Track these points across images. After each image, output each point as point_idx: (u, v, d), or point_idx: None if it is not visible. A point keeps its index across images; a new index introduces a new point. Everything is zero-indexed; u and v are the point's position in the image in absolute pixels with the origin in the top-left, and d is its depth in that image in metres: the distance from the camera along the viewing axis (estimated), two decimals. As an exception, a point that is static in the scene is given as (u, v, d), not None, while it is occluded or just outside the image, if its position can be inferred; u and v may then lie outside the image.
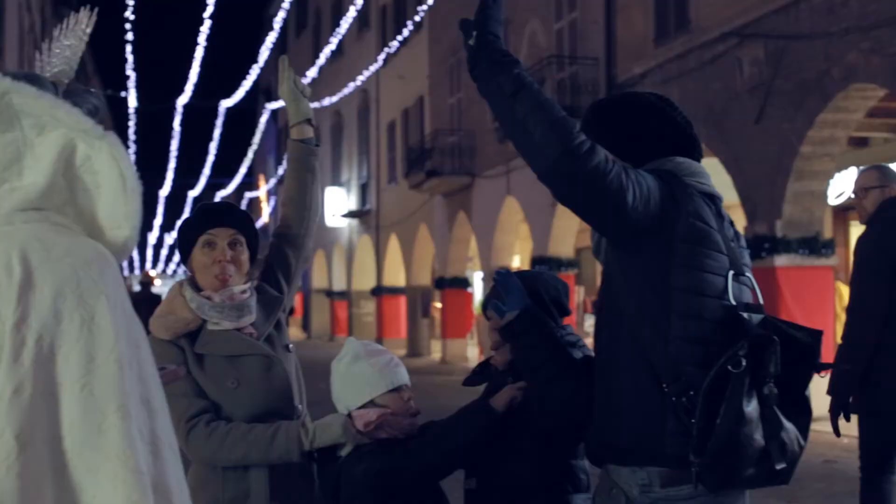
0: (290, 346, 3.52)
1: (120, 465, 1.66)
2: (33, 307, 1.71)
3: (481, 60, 2.75)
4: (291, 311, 3.86)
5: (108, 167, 1.86)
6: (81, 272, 1.76)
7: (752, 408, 2.64)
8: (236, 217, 3.44)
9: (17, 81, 1.89)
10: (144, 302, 15.68)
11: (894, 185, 5.87)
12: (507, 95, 2.69)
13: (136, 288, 20.40)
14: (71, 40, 2.12)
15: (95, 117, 1.98)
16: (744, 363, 2.62)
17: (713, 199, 2.90)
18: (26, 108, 1.85)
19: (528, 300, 3.08)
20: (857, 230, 18.16)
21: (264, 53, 31.83)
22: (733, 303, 2.74)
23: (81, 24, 2.14)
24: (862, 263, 5.65)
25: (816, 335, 2.82)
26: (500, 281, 3.13)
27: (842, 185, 16.88)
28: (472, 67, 2.79)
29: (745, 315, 2.71)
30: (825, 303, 14.34)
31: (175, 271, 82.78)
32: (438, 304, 31.03)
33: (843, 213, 18.18)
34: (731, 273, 2.77)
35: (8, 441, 1.62)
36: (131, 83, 34.99)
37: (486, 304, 3.33)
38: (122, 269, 1.99)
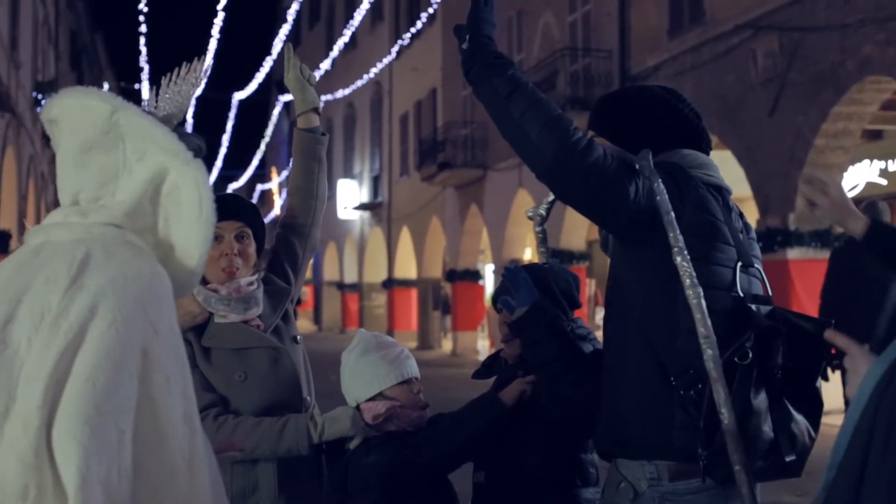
0: (298, 337, 3.52)
1: (76, 464, 1.68)
2: (75, 302, 1.77)
3: (475, 63, 2.78)
4: (299, 302, 3.86)
5: (190, 193, 1.94)
6: (130, 282, 1.83)
7: (759, 400, 2.63)
8: (242, 209, 3.43)
9: (124, 100, 1.97)
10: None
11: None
12: (502, 97, 2.71)
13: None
14: (183, 86, 2.21)
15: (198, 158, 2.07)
16: (750, 355, 2.61)
17: (721, 191, 2.88)
18: (131, 130, 1.94)
19: (536, 295, 3.07)
20: (870, 223, 18.10)
21: (277, 46, 31.82)
22: (741, 294, 2.73)
23: (195, 72, 2.23)
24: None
25: (825, 326, 2.80)
26: (509, 277, 3.13)
27: (855, 178, 16.82)
28: (466, 71, 2.82)
29: (753, 307, 2.70)
30: (838, 296, 14.27)
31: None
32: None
33: (856, 206, 18.10)
34: (739, 265, 2.76)
35: (16, 425, 1.70)
36: (145, 75, 35.02)
37: (496, 298, 3.32)
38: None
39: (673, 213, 2.66)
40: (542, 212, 2.93)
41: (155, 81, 2.26)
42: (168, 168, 1.95)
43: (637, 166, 2.72)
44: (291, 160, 3.76)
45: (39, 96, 26.82)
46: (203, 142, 2.16)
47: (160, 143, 1.94)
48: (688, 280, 2.60)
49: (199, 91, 2.22)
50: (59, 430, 1.69)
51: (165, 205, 1.97)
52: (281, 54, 32.29)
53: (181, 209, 1.96)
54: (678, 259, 2.62)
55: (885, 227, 3.16)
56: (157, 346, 1.82)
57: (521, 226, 24.95)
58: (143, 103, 2.20)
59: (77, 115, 1.95)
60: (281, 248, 3.63)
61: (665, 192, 2.68)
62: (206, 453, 1.91)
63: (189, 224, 1.96)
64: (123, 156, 1.95)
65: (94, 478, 1.67)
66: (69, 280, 1.80)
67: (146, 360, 1.79)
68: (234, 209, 3.41)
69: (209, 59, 2.22)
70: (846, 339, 2.05)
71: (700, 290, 2.59)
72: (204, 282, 3.36)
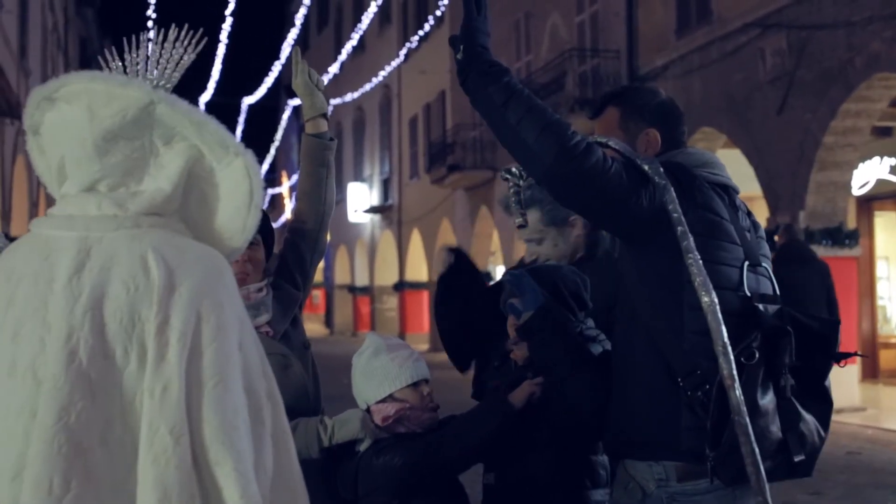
0: (308, 343, 3.51)
1: (233, 467, 1.73)
2: (174, 308, 1.79)
3: (470, 73, 2.79)
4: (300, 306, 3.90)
5: (237, 181, 1.97)
6: (215, 279, 1.86)
7: (767, 400, 2.63)
8: None
9: (170, 94, 1.98)
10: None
11: None
12: (498, 105, 2.72)
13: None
14: (183, 56, 2.16)
15: None
16: (757, 355, 2.61)
17: (726, 190, 2.89)
18: (165, 118, 1.93)
19: (542, 299, 3.08)
20: (881, 220, 18.09)
21: (286, 50, 31.85)
22: (748, 294, 2.73)
23: (185, 41, 2.17)
24: None
25: (833, 325, 2.81)
26: (514, 282, 3.14)
27: (865, 176, 16.78)
28: (462, 81, 2.83)
29: (761, 306, 2.70)
30: (849, 293, 14.25)
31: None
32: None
33: (866, 203, 18.07)
34: (746, 264, 2.76)
35: (164, 436, 1.71)
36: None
37: (503, 302, 3.33)
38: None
39: (686, 226, 2.66)
40: (515, 170, 2.94)
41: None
42: (201, 150, 1.95)
43: (647, 168, 2.73)
44: (300, 165, 3.76)
45: (49, 104, 26.84)
46: None
47: (211, 135, 1.95)
48: (703, 290, 2.61)
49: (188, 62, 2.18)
50: (209, 438, 1.73)
51: (201, 187, 1.98)
52: (289, 58, 32.25)
53: (218, 192, 1.99)
54: (693, 270, 2.63)
55: None
56: (245, 336, 1.87)
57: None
58: (134, 67, 2.16)
59: (102, 102, 1.92)
60: (289, 254, 3.63)
61: (676, 200, 2.68)
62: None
63: (238, 210, 1.99)
64: (150, 141, 1.94)
65: (250, 476, 1.73)
66: (156, 287, 1.79)
67: (241, 353, 1.84)
68: None
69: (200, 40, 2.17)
70: None
71: (716, 300, 2.60)
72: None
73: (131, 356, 1.77)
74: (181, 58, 2.11)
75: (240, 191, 1.97)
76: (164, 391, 1.73)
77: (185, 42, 2.13)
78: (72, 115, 1.94)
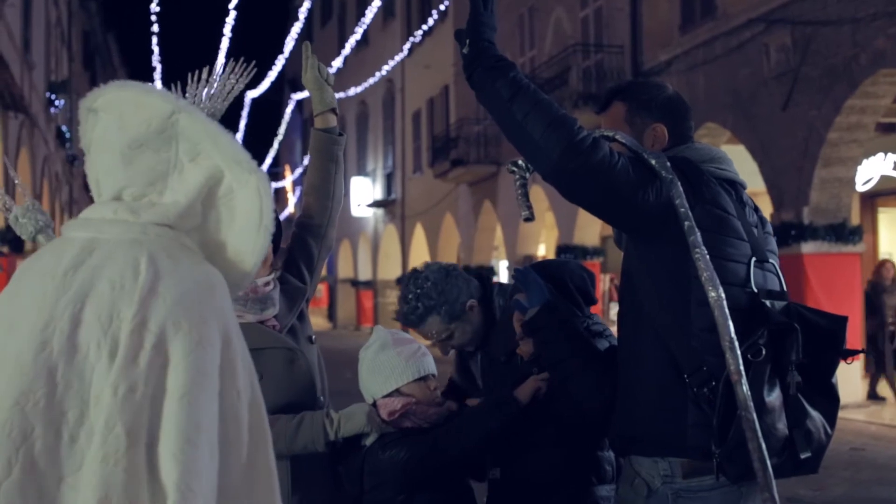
0: (313, 337, 3.52)
1: (175, 481, 1.69)
2: (153, 312, 1.76)
3: (477, 68, 2.79)
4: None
5: (250, 202, 1.94)
6: (203, 293, 1.83)
7: (773, 397, 2.62)
8: None
9: (188, 103, 1.96)
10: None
11: None
12: (504, 99, 2.72)
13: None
14: (235, 86, 2.21)
15: None
16: (763, 351, 2.60)
17: (734, 185, 2.88)
18: (188, 131, 1.92)
19: (548, 295, 3.07)
20: (885, 217, 18.07)
21: (289, 44, 31.85)
22: (755, 290, 2.72)
23: (238, 73, 2.20)
24: None
25: (840, 322, 2.80)
26: (520, 278, 3.14)
27: (869, 172, 16.76)
28: (468, 76, 2.83)
29: (768, 302, 2.70)
30: (853, 290, 14.25)
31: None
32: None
33: (870, 199, 18.05)
34: (753, 260, 2.75)
35: (119, 435, 1.68)
36: (157, 74, 35.06)
37: (509, 297, 3.33)
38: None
39: (693, 221, 2.65)
40: (522, 162, 2.93)
41: (168, 80, 2.25)
42: (223, 170, 1.94)
43: (654, 162, 2.72)
44: (308, 160, 3.74)
45: (53, 97, 26.92)
46: None
47: (225, 149, 1.93)
48: (710, 286, 2.59)
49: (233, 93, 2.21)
50: (163, 448, 1.70)
51: (218, 207, 1.97)
52: (293, 53, 32.43)
53: (234, 213, 1.96)
54: (700, 265, 2.61)
55: None
56: (230, 359, 1.83)
57: (535, 221, 24.84)
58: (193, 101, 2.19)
59: (131, 110, 1.92)
60: (296, 248, 3.62)
61: (684, 195, 2.67)
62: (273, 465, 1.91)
63: (248, 231, 1.96)
64: (175, 155, 1.93)
65: (193, 494, 1.68)
66: (140, 288, 1.78)
67: (221, 375, 1.80)
68: None
69: (252, 69, 2.20)
70: None
71: (723, 295, 2.58)
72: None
73: (103, 352, 1.75)
74: (232, 88, 2.14)
75: (251, 212, 1.96)
76: (128, 391, 1.70)
77: (239, 73, 2.15)
78: (107, 124, 1.95)
